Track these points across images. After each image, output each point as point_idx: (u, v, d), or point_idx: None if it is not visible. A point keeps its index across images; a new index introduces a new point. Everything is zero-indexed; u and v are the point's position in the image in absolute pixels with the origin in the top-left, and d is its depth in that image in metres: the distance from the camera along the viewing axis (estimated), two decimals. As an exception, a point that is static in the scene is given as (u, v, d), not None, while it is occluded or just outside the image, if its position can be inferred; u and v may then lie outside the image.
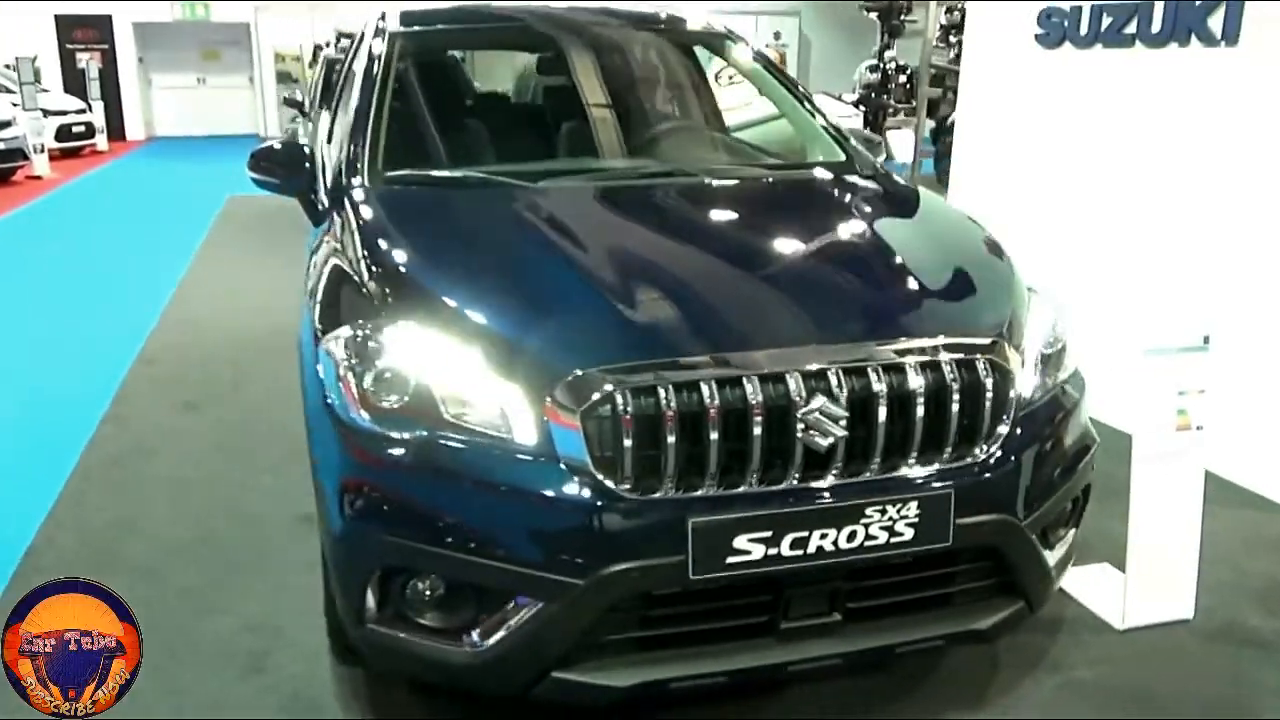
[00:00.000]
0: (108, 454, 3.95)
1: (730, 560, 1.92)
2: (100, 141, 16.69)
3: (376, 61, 3.19)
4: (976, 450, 2.09)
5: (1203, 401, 2.73)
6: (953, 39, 7.75)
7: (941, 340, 2.10)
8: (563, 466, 1.91)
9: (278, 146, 3.10)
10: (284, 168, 3.07)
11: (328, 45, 10.16)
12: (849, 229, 2.65)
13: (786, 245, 2.58)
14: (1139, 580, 2.78)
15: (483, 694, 2.17)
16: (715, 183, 2.97)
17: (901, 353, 2.05)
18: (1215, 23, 3.83)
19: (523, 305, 2.15)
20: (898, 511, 1.99)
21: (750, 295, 2.26)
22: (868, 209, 2.85)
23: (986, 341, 2.14)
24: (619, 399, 1.89)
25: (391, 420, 2.02)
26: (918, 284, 2.33)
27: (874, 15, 8.32)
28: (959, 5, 7.87)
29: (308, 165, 3.07)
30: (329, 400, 2.12)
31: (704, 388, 1.91)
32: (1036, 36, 4.72)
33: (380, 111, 3.01)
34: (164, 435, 4.16)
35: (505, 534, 1.94)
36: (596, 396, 1.90)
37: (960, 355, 2.08)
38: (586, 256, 2.35)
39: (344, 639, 2.40)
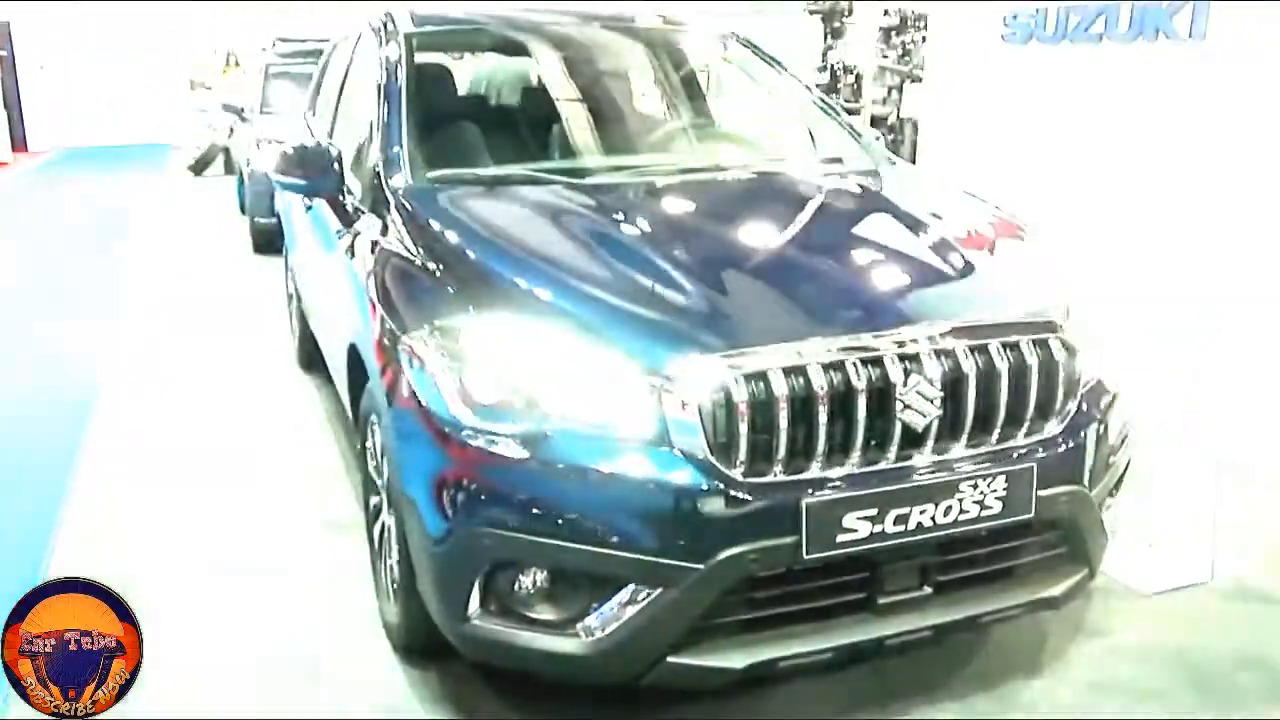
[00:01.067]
0: (110, 464, 3.82)
1: (840, 539, 1.99)
2: (3, 152, 15.95)
3: (397, 64, 3.17)
4: (1051, 426, 2.20)
5: (1215, 376, 2.91)
6: (894, 39, 7.98)
7: (1019, 320, 2.20)
8: (677, 453, 1.94)
9: (304, 150, 3.05)
10: (311, 170, 3.03)
11: (263, 50, 9.93)
12: (906, 218, 2.74)
13: (854, 234, 2.66)
14: (1162, 548, 2.95)
15: (595, 683, 2.19)
16: (762, 176, 3.04)
17: (984, 332, 2.14)
18: (1182, 21, 4.06)
19: (617, 295, 2.18)
20: (988, 486, 2.08)
21: (834, 281, 2.33)
22: (912, 199, 2.94)
23: (1057, 320, 2.25)
24: (732, 386, 1.94)
25: (495, 415, 2.03)
26: (988, 268, 2.43)
27: (817, 16, 8.53)
28: (898, 7, 8.11)
29: (336, 167, 3.03)
30: (421, 400, 2.12)
31: (811, 372, 1.97)
32: (1003, 35, 4.93)
33: (412, 112, 2.99)
34: (162, 448, 4.04)
35: (620, 523, 1.96)
36: (711, 384, 1.94)
37: (1035, 335, 2.19)
38: (664, 248, 2.38)
39: (419, 641, 2.41)
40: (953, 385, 2.08)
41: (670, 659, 2.01)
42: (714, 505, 1.93)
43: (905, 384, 2.03)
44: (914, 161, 5.89)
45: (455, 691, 2.45)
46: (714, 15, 4.43)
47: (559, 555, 1.99)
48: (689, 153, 3.27)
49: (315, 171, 3.03)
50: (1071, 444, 2.22)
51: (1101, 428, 2.32)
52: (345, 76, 3.83)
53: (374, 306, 2.48)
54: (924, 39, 7.77)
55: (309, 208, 3.76)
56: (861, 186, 3.07)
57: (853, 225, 2.72)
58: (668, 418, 1.95)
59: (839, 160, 3.24)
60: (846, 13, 8.50)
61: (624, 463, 1.96)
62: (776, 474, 1.97)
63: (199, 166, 11.74)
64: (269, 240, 8.07)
